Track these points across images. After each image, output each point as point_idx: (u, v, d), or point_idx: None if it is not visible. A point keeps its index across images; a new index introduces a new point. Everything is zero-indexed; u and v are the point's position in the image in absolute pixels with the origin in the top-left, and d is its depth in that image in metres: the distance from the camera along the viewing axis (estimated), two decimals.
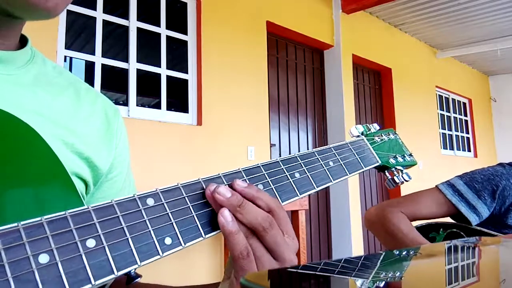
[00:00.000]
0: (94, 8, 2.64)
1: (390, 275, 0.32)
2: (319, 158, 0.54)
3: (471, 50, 5.80)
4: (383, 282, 0.30)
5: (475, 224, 1.12)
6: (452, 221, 1.20)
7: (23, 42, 0.52)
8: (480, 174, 1.17)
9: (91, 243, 0.33)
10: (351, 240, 3.94)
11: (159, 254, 0.36)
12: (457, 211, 1.13)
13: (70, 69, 2.59)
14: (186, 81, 3.06)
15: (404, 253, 0.44)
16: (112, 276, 0.33)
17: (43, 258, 0.30)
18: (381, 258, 0.39)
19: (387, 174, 0.70)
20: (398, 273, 0.33)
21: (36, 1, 0.41)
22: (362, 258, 0.37)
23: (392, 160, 0.69)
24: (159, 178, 2.64)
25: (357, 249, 4.00)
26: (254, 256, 0.40)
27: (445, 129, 6.24)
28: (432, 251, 0.48)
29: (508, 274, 0.33)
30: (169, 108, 2.93)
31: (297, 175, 0.50)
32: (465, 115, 6.91)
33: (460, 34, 5.41)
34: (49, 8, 0.42)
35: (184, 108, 3.02)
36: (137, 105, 2.76)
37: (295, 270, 0.33)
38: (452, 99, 6.57)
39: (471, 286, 0.30)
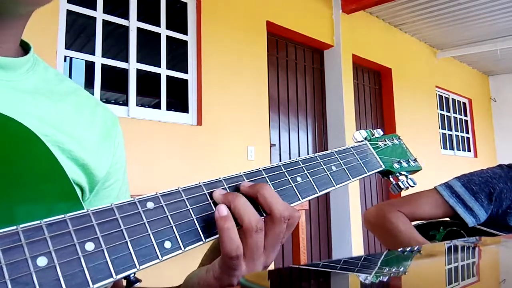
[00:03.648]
0: (94, 8, 2.64)
1: (392, 271, 0.32)
2: (321, 163, 0.53)
3: (471, 50, 5.80)
4: (385, 278, 0.30)
5: (471, 226, 1.13)
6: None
7: (25, 49, 0.52)
8: (478, 176, 1.17)
9: (90, 246, 0.33)
10: (351, 240, 3.94)
11: (158, 258, 0.36)
12: (454, 212, 1.14)
13: (70, 69, 2.60)
14: (186, 81, 3.05)
15: (403, 253, 0.44)
16: (111, 279, 0.33)
17: (41, 261, 0.30)
18: (381, 258, 0.39)
19: (391, 179, 0.69)
20: (400, 271, 0.33)
21: None
22: (362, 259, 0.37)
23: (396, 165, 0.68)
24: (159, 178, 2.63)
25: (357, 249, 3.99)
26: (245, 257, 0.40)
27: (445, 129, 6.24)
28: (432, 251, 0.48)
29: (508, 274, 0.33)
30: (169, 108, 2.93)
31: (299, 179, 0.49)
32: (465, 115, 6.91)
33: (460, 34, 5.40)
34: (34, 2, 0.43)
35: (184, 108, 3.02)
36: (137, 105, 2.76)
37: (295, 271, 0.33)
38: (452, 99, 6.57)
39: (471, 286, 0.30)
